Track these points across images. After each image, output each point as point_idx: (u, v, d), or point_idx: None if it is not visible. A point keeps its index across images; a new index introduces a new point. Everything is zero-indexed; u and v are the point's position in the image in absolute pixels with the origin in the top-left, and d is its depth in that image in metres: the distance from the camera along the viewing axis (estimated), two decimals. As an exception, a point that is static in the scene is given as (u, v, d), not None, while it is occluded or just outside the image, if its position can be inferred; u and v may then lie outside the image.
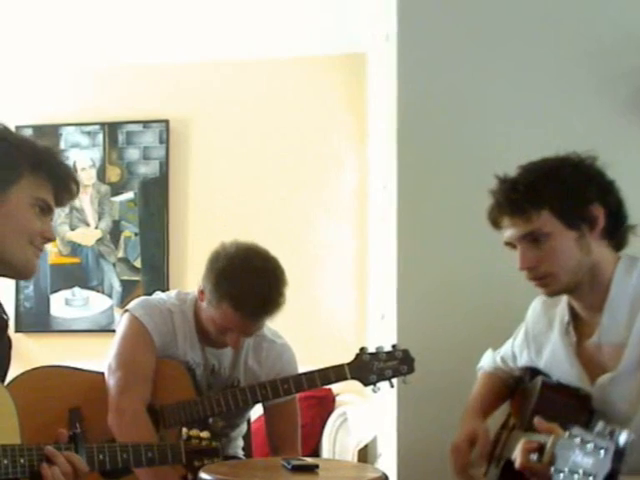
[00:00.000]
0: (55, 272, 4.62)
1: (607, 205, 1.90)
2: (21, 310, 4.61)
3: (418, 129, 2.73)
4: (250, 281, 2.36)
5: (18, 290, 4.61)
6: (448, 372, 2.58)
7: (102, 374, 2.50)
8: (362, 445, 3.68)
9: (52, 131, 4.61)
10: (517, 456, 1.57)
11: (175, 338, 2.51)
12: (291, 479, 2.04)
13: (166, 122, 4.57)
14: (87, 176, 4.62)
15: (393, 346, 2.44)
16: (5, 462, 1.62)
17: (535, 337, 2.09)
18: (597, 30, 2.66)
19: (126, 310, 2.56)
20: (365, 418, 3.75)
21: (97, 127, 4.63)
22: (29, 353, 4.35)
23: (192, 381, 2.47)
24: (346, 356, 2.45)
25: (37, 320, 4.62)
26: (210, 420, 2.34)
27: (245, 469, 2.24)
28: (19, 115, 4.46)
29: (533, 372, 2.07)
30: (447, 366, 2.59)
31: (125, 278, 4.58)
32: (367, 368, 2.41)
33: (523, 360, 2.14)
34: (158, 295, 2.64)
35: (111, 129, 4.62)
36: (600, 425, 1.31)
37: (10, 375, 1.96)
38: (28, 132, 4.49)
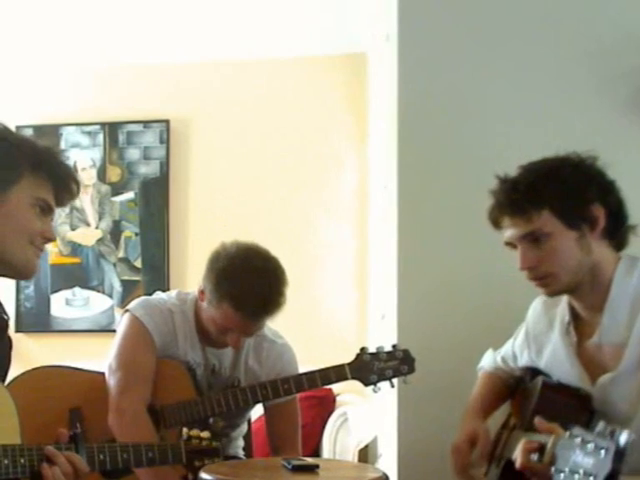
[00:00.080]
0: (55, 272, 4.62)
1: (607, 205, 1.90)
2: (21, 310, 4.61)
3: (418, 129, 2.73)
4: (250, 281, 2.36)
5: (18, 290, 4.61)
6: (448, 372, 2.58)
7: (103, 374, 2.50)
8: (362, 445, 3.68)
9: (52, 131, 4.61)
10: (517, 456, 1.57)
11: (175, 338, 2.51)
12: (291, 479, 2.04)
13: (166, 122, 4.57)
14: (87, 176, 4.62)
15: (394, 346, 2.44)
16: (5, 462, 1.62)
17: (536, 337, 2.09)
18: (597, 30, 2.66)
19: (127, 310, 2.56)
20: (365, 418, 3.75)
21: (97, 127, 4.63)
22: (29, 353, 4.35)
23: (192, 381, 2.47)
24: (347, 356, 2.45)
25: (37, 320, 4.62)
26: (210, 420, 2.34)
27: (245, 469, 2.23)
28: (20, 115, 4.45)
29: (534, 372, 2.07)
30: (447, 366, 2.59)
31: (125, 278, 4.58)
32: (368, 368, 2.41)
33: (524, 360, 2.14)
34: (158, 295, 2.64)
35: (111, 129, 4.62)
36: (601, 425, 1.31)
37: (10, 375, 1.96)
38: (29, 132, 4.49)
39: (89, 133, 4.64)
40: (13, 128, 1.90)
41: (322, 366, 2.43)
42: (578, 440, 1.32)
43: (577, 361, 1.94)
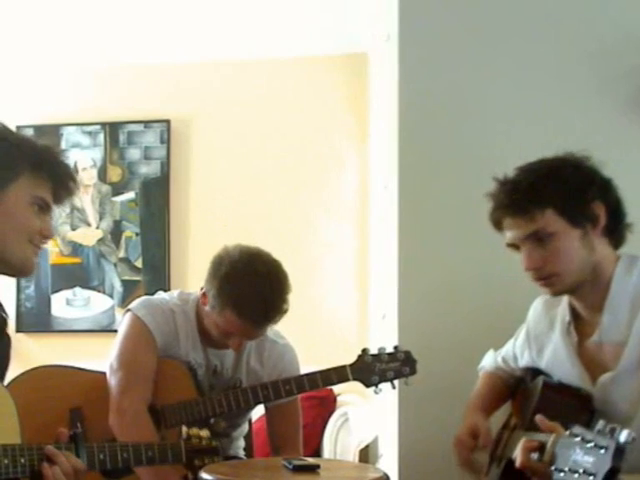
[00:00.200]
0: (56, 272, 4.62)
1: (608, 203, 1.91)
2: (22, 310, 4.61)
3: (419, 129, 2.73)
4: (253, 288, 2.35)
5: (19, 290, 4.61)
6: (449, 372, 2.58)
7: (103, 374, 2.49)
8: (363, 445, 3.68)
9: (53, 131, 4.61)
10: (518, 455, 1.57)
11: (177, 338, 2.51)
12: (292, 479, 2.04)
13: (167, 122, 4.57)
14: (88, 176, 4.62)
15: (395, 347, 2.43)
16: (5, 462, 1.62)
17: (536, 337, 2.09)
18: (598, 30, 2.66)
19: (128, 310, 2.56)
20: (366, 418, 3.75)
21: (98, 127, 4.63)
22: (30, 353, 4.35)
23: (193, 381, 2.46)
24: (348, 356, 2.45)
25: (38, 320, 4.62)
26: (212, 420, 2.34)
27: (246, 469, 2.23)
28: (20, 115, 4.45)
29: (534, 372, 2.08)
30: (448, 366, 2.59)
31: (126, 278, 4.58)
32: (369, 369, 2.40)
33: (524, 360, 2.14)
34: (160, 295, 2.64)
35: (112, 129, 4.62)
36: (600, 424, 1.31)
37: (11, 375, 1.96)
38: (29, 132, 4.48)
39: (90, 133, 4.64)
40: (14, 128, 1.90)
41: (323, 366, 2.43)
42: (578, 439, 1.32)
43: (578, 361, 1.94)
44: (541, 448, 1.49)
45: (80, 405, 2.46)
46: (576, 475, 1.28)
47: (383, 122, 3.28)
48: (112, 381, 2.46)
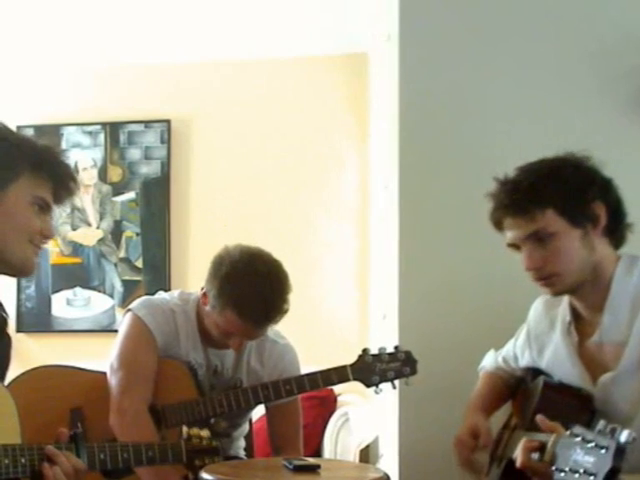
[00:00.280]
0: (56, 272, 4.62)
1: (608, 203, 1.91)
2: (22, 310, 4.61)
3: (420, 129, 2.72)
4: (254, 288, 2.35)
5: (19, 290, 4.61)
6: (450, 372, 2.58)
7: (104, 374, 2.50)
8: (364, 445, 3.68)
9: (53, 131, 4.61)
10: (518, 455, 1.57)
11: (177, 338, 2.51)
12: (292, 479, 2.04)
13: (167, 122, 4.57)
14: (88, 176, 4.62)
15: (396, 347, 2.43)
16: (6, 462, 1.61)
17: (537, 337, 2.09)
18: (598, 30, 2.66)
19: (129, 309, 2.56)
20: (367, 418, 3.75)
21: (98, 127, 4.63)
22: (30, 353, 4.35)
23: (194, 381, 2.46)
24: (348, 356, 2.44)
25: (38, 320, 4.62)
26: (212, 420, 2.33)
27: (246, 469, 2.24)
28: (21, 115, 4.45)
29: (535, 372, 2.08)
30: (449, 366, 2.59)
31: (126, 278, 4.58)
32: (369, 369, 2.40)
33: (525, 360, 2.14)
34: (161, 295, 2.64)
35: (112, 129, 4.62)
36: (601, 424, 1.31)
37: (11, 375, 1.96)
38: (29, 132, 4.48)
39: (90, 133, 4.64)
40: (14, 128, 1.90)
41: (323, 366, 2.43)
42: (579, 439, 1.32)
43: (578, 361, 1.94)
44: (541, 448, 1.49)
45: (81, 405, 2.46)
46: (577, 475, 1.28)
47: (383, 122, 3.28)
48: (112, 381, 2.46)
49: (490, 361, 2.28)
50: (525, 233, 1.89)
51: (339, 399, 3.93)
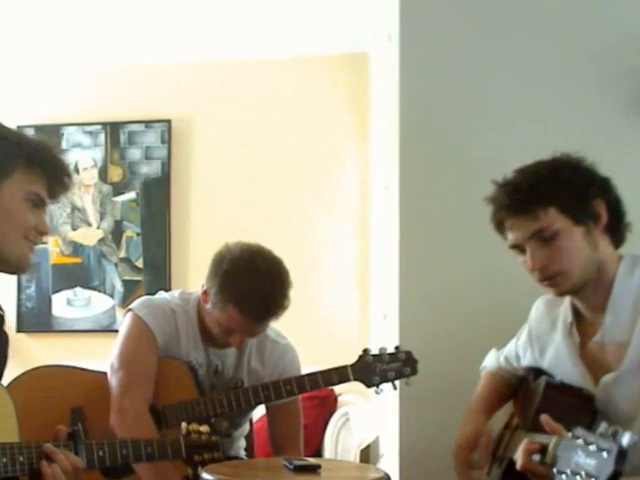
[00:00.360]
0: (57, 272, 4.62)
1: (608, 201, 1.91)
2: (23, 310, 4.61)
3: (420, 128, 2.72)
4: (255, 283, 2.36)
5: (20, 290, 4.61)
6: (450, 372, 2.57)
7: (104, 374, 2.49)
8: (364, 445, 3.68)
9: (54, 131, 4.61)
10: (519, 457, 1.57)
11: (178, 338, 2.51)
12: (293, 479, 2.03)
13: (168, 122, 4.57)
14: (89, 176, 4.62)
15: (396, 347, 2.43)
16: (4, 460, 1.61)
17: (538, 337, 2.09)
18: (599, 30, 2.65)
19: (129, 309, 2.56)
20: (367, 418, 3.75)
21: (99, 127, 4.63)
22: (31, 353, 4.35)
23: (194, 381, 2.46)
24: (349, 356, 2.44)
25: (39, 320, 4.62)
26: (212, 420, 2.33)
27: (247, 469, 2.24)
28: (21, 115, 4.46)
29: (537, 372, 2.08)
30: (449, 366, 2.59)
31: (127, 278, 4.58)
32: (370, 369, 2.40)
33: (526, 360, 2.13)
34: (161, 295, 2.64)
35: (113, 129, 4.62)
36: (603, 426, 1.30)
37: (12, 375, 1.96)
38: (30, 132, 4.48)
39: (90, 133, 4.64)
40: (14, 128, 1.90)
41: (324, 366, 2.43)
42: (580, 441, 1.31)
43: (580, 361, 1.94)
44: (542, 450, 1.48)
45: (81, 405, 2.46)
46: (578, 477, 1.27)
47: (384, 122, 3.28)
48: (113, 381, 2.46)
49: (492, 361, 2.27)
50: (528, 233, 1.89)
51: (340, 399, 3.93)
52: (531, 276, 1.95)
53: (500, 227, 1.97)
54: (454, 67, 2.71)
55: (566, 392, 1.93)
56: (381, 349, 2.42)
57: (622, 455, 1.26)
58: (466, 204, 2.59)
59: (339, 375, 2.42)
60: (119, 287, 4.58)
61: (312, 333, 4.13)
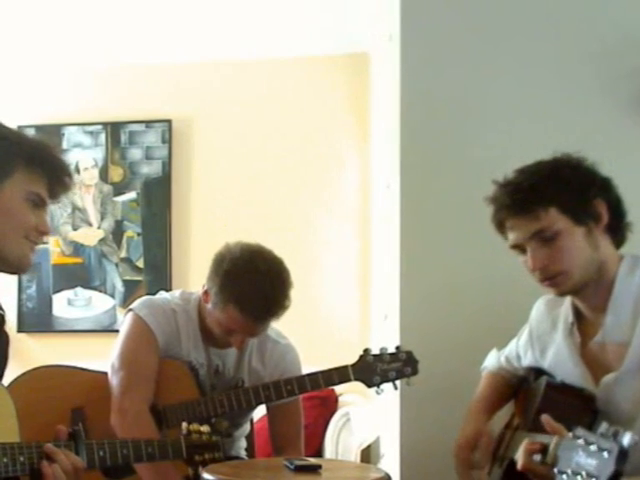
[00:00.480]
0: (57, 272, 4.62)
1: (609, 201, 1.91)
2: (23, 310, 4.61)
3: (421, 128, 2.72)
4: (255, 283, 2.36)
5: (20, 290, 4.61)
6: (451, 372, 2.57)
7: (105, 374, 2.49)
8: (365, 445, 3.67)
9: (54, 131, 4.61)
10: (519, 457, 1.57)
11: (179, 338, 2.51)
12: (294, 479, 2.03)
13: (169, 122, 4.57)
14: (89, 176, 4.62)
15: (397, 347, 2.43)
16: (5, 460, 1.61)
17: (539, 337, 2.09)
18: (600, 30, 2.65)
19: (130, 309, 2.56)
20: (368, 418, 3.75)
21: (99, 127, 4.64)
22: (31, 353, 4.35)
23: (195, 381, 2.46)
24: (349, 356, 2.44)
25: (39, 320, 4.62)
26: (213, 420, 2.33)
27: (247, 469, 2.24)
28: (21, 115, 4.46)
29: (537, 372, 2.07)
30: (450, 366, 2.59)
31: (127, 278, 4.58)
32: (371, 369, 2.40)
33: (527, 360, 2.13)
34: (162, 295, 2.64)
35: (113, 129, 4.62)
36: (603, 426, 1.30)
37: (12, 375, 1.95)
38: (30, 132, 4.48)
39: (91, 133, 4.64)
40: (15, 128, 1.89)
41: (324, 366, 2.43)
42: (581, 441, 1.31)
43: (580, 361, 1.94)
44: (543, 450, 1.48)
45: (82, 405, 2.46)
46: (579, 477, 1.27)
47: (384, 122, 3.28)
48: (114, 381, 2.46)
49: (493, 361, 2.27)
50: (529, 233, 1.89)
51: (340, 399, 3.93)
52: (532, 276, 1.95)
53: (501, 227, 1.97)
54: (455, 67, 2.71)
55: (567, 392, 1.93)
56: (382, 349, 2.42)
57: (623, 455, 1.26)
58: (467, 204, 2.59)
59: (340, 375, 2.42)
60: (120, 287, 4.58)
61: (313, 333, 4.13)
